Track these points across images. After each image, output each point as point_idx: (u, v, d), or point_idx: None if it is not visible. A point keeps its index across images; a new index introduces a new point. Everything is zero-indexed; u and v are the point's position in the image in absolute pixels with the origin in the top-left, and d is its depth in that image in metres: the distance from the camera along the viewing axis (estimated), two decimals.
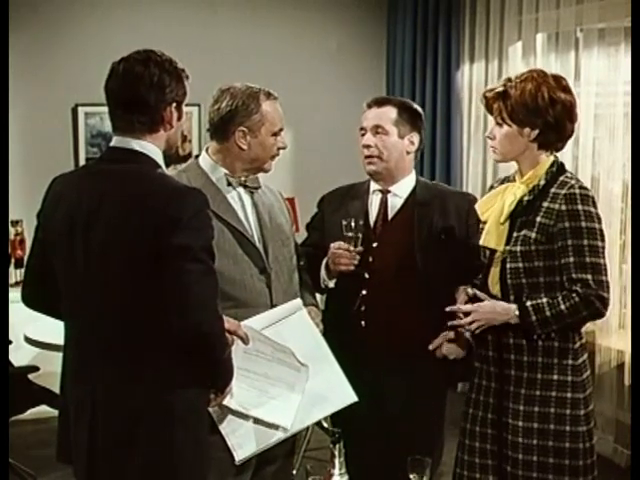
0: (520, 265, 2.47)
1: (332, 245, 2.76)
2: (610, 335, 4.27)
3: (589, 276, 2.39)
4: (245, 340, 2.36)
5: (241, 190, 2.62)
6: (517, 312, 2.45)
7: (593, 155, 4.36)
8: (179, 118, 2.22)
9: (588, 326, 4.33)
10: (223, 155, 2.60)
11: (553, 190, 2.46)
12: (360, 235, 2.73)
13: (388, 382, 2.82)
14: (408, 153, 2.88)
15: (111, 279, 2.10)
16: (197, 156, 2.70)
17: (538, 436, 2.48)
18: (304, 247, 2.92)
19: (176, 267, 2.04)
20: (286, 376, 2.46)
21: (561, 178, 2.48)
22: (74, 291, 2.19)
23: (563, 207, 2.41)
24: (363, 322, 2.84)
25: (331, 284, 2.83)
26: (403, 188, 2.90)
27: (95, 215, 2.11)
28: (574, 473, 2.48)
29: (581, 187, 2.44)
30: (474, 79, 4.96)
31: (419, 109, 2.93)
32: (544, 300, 2.43)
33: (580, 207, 2.40)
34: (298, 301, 2.59)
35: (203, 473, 2.22)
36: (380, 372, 2.81)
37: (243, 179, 2.61)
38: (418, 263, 2.80)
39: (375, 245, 2.84)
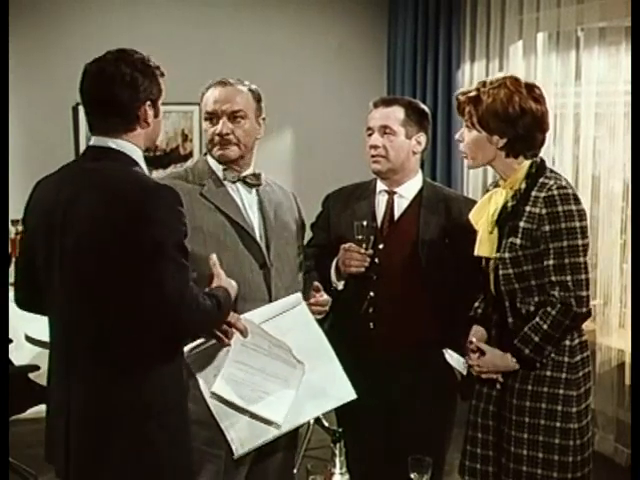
0: (510, 271, 2.49)
1: (343, 247, 2.76)
2: (611, 334, 4.26)
3: (568, 277, 2.41)
4: (244, 333, 2.37)
5: (241, 186, 2.64)
6: (513, 357, 2.48)
7: (594, 154, 4.36)
8: (156, 115, 2.22)
9: (588, 325, 4.37)
10: None
11: (534, 193, 2.47)
12: (372, 237, 2.74)
13: (394, 382, 2.82)
14: (415, 153, 2.88)
15: (85, 278, 2.10)
16: (206, 153, 2.72)
17: (528, 430, 2.50)
18: (309, 248, 2.92)
19: (150, 264, 2.03)
20: (281, 372, 2.47)
21: (540, 180, 2.48)
22: (53, 291, 2.19)
23: (543, 211, 2.42)
24: (371, 324, 2.84)
25: (340, 286, 2.83)
26: (409, 189, 2.89)
27: (70, 214, 2.11)
28: (563, 469, 2.48)
29: (559, 187, 2.44)
30: (475, 78, 4.94)
31: (426, 109, 2.93)
32: (526, 330, 2.46)
33: (560, 208, 2.41)
34: (298, 295, 2.60)
35: (184, 474, 2.21)
36: (386, 372, 2.81)
37: (243, 175, 2.63)
38: (423, 264, 2.80)
39: (381, 247, 2.83)
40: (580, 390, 2.51)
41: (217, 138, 2.60)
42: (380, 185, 2.91)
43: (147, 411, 2.11)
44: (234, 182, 2.63)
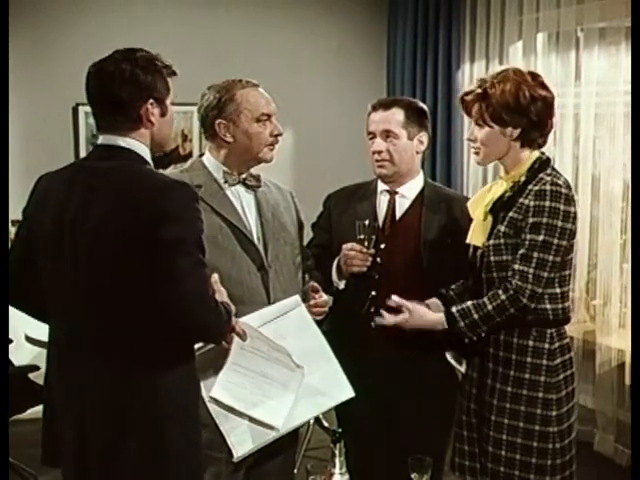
0: (492, 259, 2.49)
1: (344, 246, 2.76)
2: (610, 334, 4.27)
3: (530, 270, 2.40)
4: (243, 337, 2.36)
5: (240, 187, 2.62)
6: (444, 320, 2.50)
7: (594, 154, 4.37)
8: (162, 114, 2.18)
9: (588, 325, 4.38)
10: (218, 153, 2.62)
11: (530, 186, 2.46)
12: (374, 237, 2.74)
13: (395, 382, 2.82)
14: (417, 153, 2.88)
15: (101, 276, 2.08)
16: (201, 155, 2.70)
17: (507, 432, 2.49)
18: (311, 248, 2.92)
19: (168, 261, 2.01)
20: (281, 375, 2.46)
21: (540, 175, 2.48)
22: (62, 289, 2.16)
23: (532, 203, 2.42)
24: (373, 323, 2.84)
25: (341, 285, 2.84)
26: (411, 189, 2.89)
27: (84, 211, 2.09)
28: (540, 472, 2.47)
29: (554, 184, 2.43)
30: (475, 79, 4.90)
31: (425, 107, 2.93)
32: (469, 304, 2.47)
33: (547, 203, 2.40)
34: (297, 298, 2.59)
35: (195, 472, 2.20)
36: (387, 372, 2.81)
37: (243, 176, 2.62)
38: (425, 264, 2.80)
39: (383, 246, 2.83)
40: (561, 393, 2.49)
41: (272, 139, 2.60)
42: (381, 185, 2.91)
43: (162, 410, 2.10)
44: (234, 185, 2.62)
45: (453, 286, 2.72)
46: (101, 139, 2.20)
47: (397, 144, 2.81)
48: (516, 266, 2.42)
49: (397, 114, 2.82)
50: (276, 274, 2.61)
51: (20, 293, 2.29)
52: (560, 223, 2.40)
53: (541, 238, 2.39)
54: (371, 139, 2.86)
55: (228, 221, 2.55)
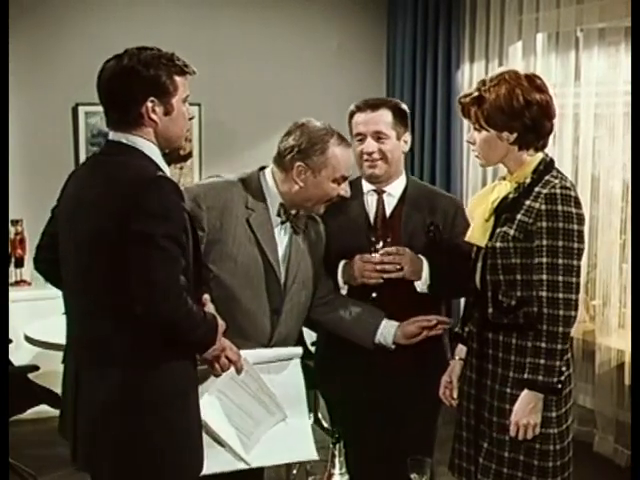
0: (498, 261, 2.47)
1: (357, 258, 2.75)
2: (610, 334, 4.27)
3: (560, 278, 2.37)
4: (239, 371, 2.38)
5: (286, 225, 2.62)
6: (528, 391, 2.40)
7: (593, 155, 4.37)
8: (166, 113, 2.17)
9: (587, 325, 4.37)
10: (282, 184, 2.60)
11: (537, 189, 2.44)
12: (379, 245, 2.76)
13: (395, 383, 2.81)
14: (403, 153, 2.89)
15: (85, 264, 2.14)
16: (262, 168, 2.67)
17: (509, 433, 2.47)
18: None
19: (137, 253, 2.04)
20: (258, 415, 2.48)
21: (546, 177, 2.46)
22: (66, 275, 2.24)
23: (543, 206, 2.40)
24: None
25: (344, 290, 2.83)
26: (397, 188, 2.90)
27: (79, 203, 2.16)
28: (542, 474, 2.46)
29: (563, 187, 2.41)
30: (474, 79, 4.95)
31: (406, 108, 2.93)
32: (528, 359, 2.40)
33: (559, 207, 2.38)
34: (299, 350, 2.61)
35: (177, 461, 2.18)
36: (388, 373, 2.81)
37: (294, 212, 2.62)
38: None
39: (380, 246, 2.83)
40: (560, 394, 2.48)
41: (335, 199, 2.65)
42: (367, 185, 2.90)
43: (140, 397, 2.12)
44: (285, 222, 2.61)
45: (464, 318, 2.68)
46: (110, 135, 2.22)
47: (388, 144, 2.81)
48: (543, 277, 2.38)
49: (385, 115, 2.82)
50: (285, 317, 2.62)
51: (44, 263, 2.40)
52: (576, 226, 2.39)
53: (561, 244, 2.37)
54: (360, 140, 2.84)
55: (266, 258, 2.55)
